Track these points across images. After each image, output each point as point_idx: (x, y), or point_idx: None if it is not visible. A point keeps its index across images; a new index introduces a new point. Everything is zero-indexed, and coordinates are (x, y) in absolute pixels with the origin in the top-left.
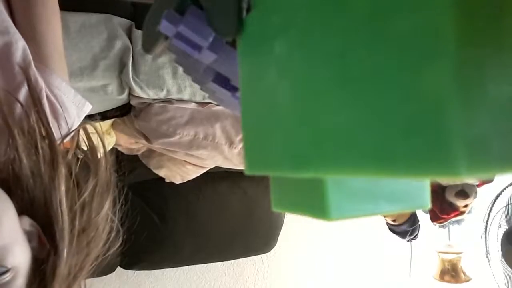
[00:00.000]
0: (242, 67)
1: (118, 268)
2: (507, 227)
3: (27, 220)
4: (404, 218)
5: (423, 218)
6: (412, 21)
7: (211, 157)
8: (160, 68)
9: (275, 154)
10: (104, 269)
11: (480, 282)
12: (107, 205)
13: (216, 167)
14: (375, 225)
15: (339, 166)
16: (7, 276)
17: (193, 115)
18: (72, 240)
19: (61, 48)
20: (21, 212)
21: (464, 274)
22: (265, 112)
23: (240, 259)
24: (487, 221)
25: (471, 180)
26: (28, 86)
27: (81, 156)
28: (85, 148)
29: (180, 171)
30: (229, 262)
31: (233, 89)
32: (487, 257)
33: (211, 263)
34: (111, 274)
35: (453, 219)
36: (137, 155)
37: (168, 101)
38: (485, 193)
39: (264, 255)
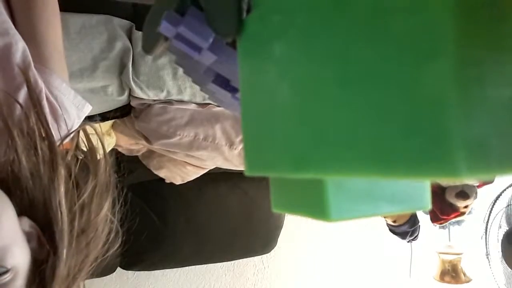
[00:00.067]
0: (242, 68)
1: (118, 268)
2: (507, 228)
3: (26, 221)
4: (404, 219)
5: (423, 219)
6: (412, 21)
7: (211, 158)
8: (160, 69)
9: (275, 154)
10: (104, 270)
11: (480, 282)
12: (107, 206)
13: (216, 168)
14: (375, 226)
15: (339, 167)
16: (7, 277)
17: (193, 116)
18: (72, 241)
19: (61, 49)
20: (20, 213)
21: (465, 274)
22: (265, 112)
23: (240, 260)
24: (488, 222)
25: (471, 181)
26: (28, 87)
27: (81, 157)
28: (84, 149)
29: (180, 172)
30: (229, 262)
31: (233, 90)
32: (487, 258)
33: (211, 264)
34: (111, 275)
35: (453, 220)
36: (137, 156)
37: (168, 102)
38: (485, 194)
39: (264, 256)
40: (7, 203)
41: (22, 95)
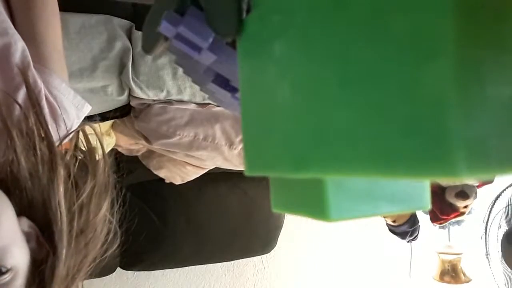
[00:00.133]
0: (242, 68)
1: (118, 268)
2: (507, 228)
3: (25, 221)
4: (404, 219)
5: (423, 219)
6: (412, 21)
7: (211, 158)
8: (160, 69)
9: (275, 154)
10: (104, 270)
11: (480, 282)
12: (105, 206)
13: (216, 168)
14: (375, 226)
15: (339, 167)
16: (7, 277)
17: (193, 116)
18: (71, 241)
19: (60, 49)
20: (19, 213)
21: (464, 274)
22: (265, 112)
23: (240, 260)
24: (487, 222)
25: (471, 181)
26: (27, 87)
27: (80, 158)
28: (83, 149)
29: (180, 172)
30: (229, 263)
31: (233, 90)
32: (487, 257)
33: (211, 264)
34: (111, 275)
35: (453, 220)
36: (137, 156)
37: (168, 102)
38: (485, 194)
39: (264, 256)
40: (7, 203)
41: (21, 95)
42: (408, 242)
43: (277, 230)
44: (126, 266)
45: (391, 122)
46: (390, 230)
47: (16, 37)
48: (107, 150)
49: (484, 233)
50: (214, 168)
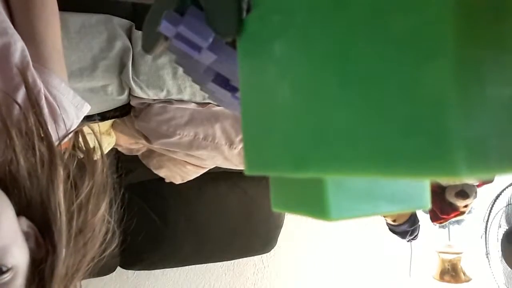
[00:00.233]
0: (242, 68)
1: (118, 268)
2: (507, 227)
3: (24, 221)
4: (404, 218)
5: (423, 218)
6: (412, 21)
7: (211, 158)
8: (160, 69)
9: (275, 154)
10: (104, 269)
11: (480, 282)
12: (104, 206)
13: (216, 167)
14: (375, 225)
15: (339, 166)
16: (7, 276)
17: (193, 116)
18: (70, 241)
19: (60, 49)
20: (18, 213)
21: (464, 274)
22: (265, 112)
23: (240, 259)
24: (487, 221)
25: (471, 180)
26: (26, 87)
27: (79, 157)
28: (82, 149)
29: (180, 171)
30: (229, 262)
31: (233, 89)
32: (487, 257)
33: (211, 263)
34: (111, 274)
35: (453, 219)
36: (137, 155)
37: (168, 101)
38: (485, 193)
39: (264, 255)
40: (7, 203)
41: (21, 95)
42: (408, 241)
43: (277, 229)
44: (126, 265)
45: (391, 122)
46: (390, 230)
47: (16, 37)
48: (108, 149)
49: (484, 233)
50: (214, 168)
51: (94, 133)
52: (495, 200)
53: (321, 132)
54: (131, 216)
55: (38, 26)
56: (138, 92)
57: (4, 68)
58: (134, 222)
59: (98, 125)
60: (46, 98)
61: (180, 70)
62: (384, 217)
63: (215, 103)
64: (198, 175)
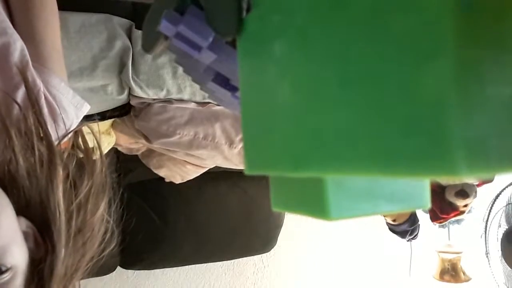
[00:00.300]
0: (242, 67)
1: (118, 267)
2: (507, 227)
3: (23, 221)
4: (404, 217)
5: (423, 217)
6: (412, 21)
7: (211, 157)
8: (160, 68)
9: (275, 153)
10: (104, 269)
11: (480, 281)
12: (103, 206)
13: (216, 166)
14: (375, 225)
15: (339, 166)
16: (6, 276)
17: (193, 115)
18: (69, 241)
19: (59, 48)
20: (17, 213)
21: (464, 273)
22: (265, 111)
23: (240, 259)
24: (487, 220)
25: (471, 180)
26: (26, 87)
27: (77, 157)
28: (82, 149)
29: (180, 171)
30: (229, 262)
31: (233, 89)
32: (487, 256)
33: (211, 263)
34: (111, 274)
35: (453, 219)
36: (137, 155)
37: (168, 101)
38: (485, 193)
39: (264, 255)
40: (6, 202)
41: (20, 94)
42: (408, 241)
43: (277, 229)
44: (126, 265)
45: (391, 121)
46: (390, 229)
47: (15, 37)
48: (108, 149)
49: (484, 232)
50: (214, 167)
51: (93, 133)
52: (495, 200)
53: (321, 131)
54: (131, 215)
55: (37, 26)
56: (138, 91)
57: (3, 68)
58: (134, 222)
59: (98, 125)
60: (45, 97)
61: (180, 69)
62: (384, 216)
63: (215, 103)
64: (198, 174)
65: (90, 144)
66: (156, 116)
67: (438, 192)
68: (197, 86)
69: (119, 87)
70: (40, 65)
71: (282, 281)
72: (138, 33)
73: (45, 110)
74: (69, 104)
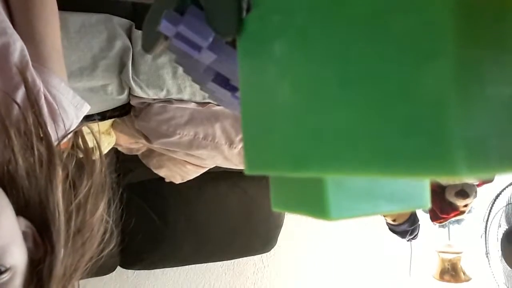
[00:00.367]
0: (242, 67)
1: (118, 267)
2: (507, 227)
3: (22, 221)
4: (404, 217)
5: (423, 217)
6: (412, 21)
7: (211, 157)
8: (160, 68)
9: (275, 154)
10: (104, 269)
11: (480, 281)
12: (102, 206)
13: (216, 167)
14: (375, 225)
15: (339, 166)
16: (6, 276)
17: (193, 115)
18: (68, 241)
19: (59, 48)
20: (16, 213)
21: (464, 273)
22: (265, 112)
23: (240, 259)
24: (487, 220)
25: (471, 180)
26: (26, 87)
27: (77, 157)
28: (81, 149)
29: (180, 171)
30: (229, 261)
31: (233, 89)
32: (487, 256)
33: (211, 263)
34: (111, 274)
35: (453, 219)
36: (137, 155)
37: (168, 101)
38: (485, 193)
39: (264, 255)
40: (6, 202)
41: (20, 95)
42: (408, 241)
43: (277, 229)
44: (126, 265)
45: (391, 121)
46: (390, 229)
47: (15, 37)
48: (108, 149)
49: (484, 232)
50: (214, 167)
51: (93, 133)
52: (495, 200)
53: (321, 131)
54: (130, 215)
55: (37, 26)
56: (138, 91)
57: (3, 68)
58: (134, 222)
59: (98, 125)
60: (45, 97)
61: (180, 69)
62: (384, 216)
63: (215, 103)
64: (198, 174)
65: (90, 144)
66: (156, 116)
67: (438, 192)
68: (197, 86)
69: (119, 87)
70: (40, 65)
71: (282, 281)
72: (138, 33)
73: (45, 110)
74: (69, 104)
